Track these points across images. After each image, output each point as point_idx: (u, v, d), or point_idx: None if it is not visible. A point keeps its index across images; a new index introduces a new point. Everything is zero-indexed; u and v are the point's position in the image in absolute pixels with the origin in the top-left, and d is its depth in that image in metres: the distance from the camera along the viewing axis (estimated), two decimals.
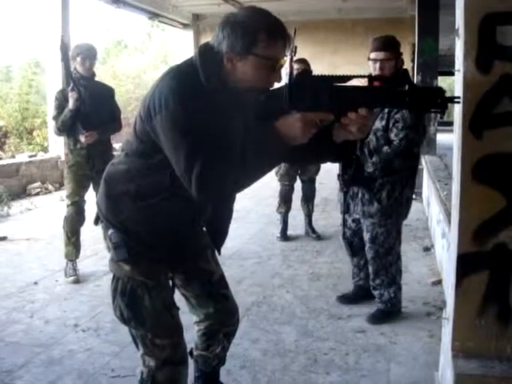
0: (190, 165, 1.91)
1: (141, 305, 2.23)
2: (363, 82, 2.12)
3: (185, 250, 2.39)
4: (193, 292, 2.52)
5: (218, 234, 2.48)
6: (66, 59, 4.70)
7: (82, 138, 4.76)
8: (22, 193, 9.46)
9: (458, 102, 1.99)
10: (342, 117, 1.95)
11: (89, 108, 4.77)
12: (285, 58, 2.00)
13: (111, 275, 2.33)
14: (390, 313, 4.05)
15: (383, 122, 3.72)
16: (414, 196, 3.98)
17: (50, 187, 9.96)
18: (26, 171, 9.71)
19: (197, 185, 1.92)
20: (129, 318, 2.26)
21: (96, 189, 4.94)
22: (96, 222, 2.37)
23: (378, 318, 4.01)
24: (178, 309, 2.36)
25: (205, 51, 2.04)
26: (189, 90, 1.95)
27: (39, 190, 9.71)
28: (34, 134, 15.62)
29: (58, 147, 10.59)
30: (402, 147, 3.63)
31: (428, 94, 1.94)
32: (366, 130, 2.00)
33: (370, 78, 2.08)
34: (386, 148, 3.68)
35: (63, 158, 10.45)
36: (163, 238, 2.26)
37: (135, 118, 2.17)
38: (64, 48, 4.69)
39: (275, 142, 1.91)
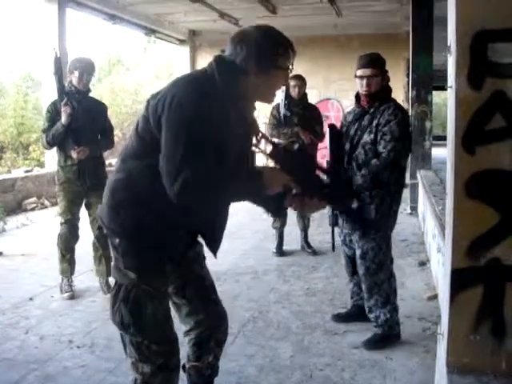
0: (182, 166, 2.05)
1: (143, 312, 2.30)
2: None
3: (186, 255, 2.51)
4: (187, 296, 2.58)
5: (214, 240, 2.54)
6: (59, 73, 4.67)
7: (74, 154, 4.71)
8: (17, 208, 9.45)
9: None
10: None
11: (81, 123, 4.72)
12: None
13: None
14: (387, 337, 3.90)
15: (371, 136, 3.76)
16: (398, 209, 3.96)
17: (46, 202, 9.95)
18: (21, 186, 9.71)
19: (181, 187, 2.05)
20: (128, 324, 2.31)
21: (90, 207, 4.93)
22: (99, 230, 2.44)
23: (375, 343, 3.87)
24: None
25: (223, 63, 2.25)
26: (203, 96, 2.11)
27: (35, 205, 9.70)
28: (30, 149, 15.65)
29: (54, 162, 10.57)
30: (390, 159, 3.67)
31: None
32: (303, 209, 2.52)
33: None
34: (374, 161, 3.71)
35: None
36: (167, 242, 2.35)
37: (137, 120, 2.31)
38: (57, 62, 4.67)
39: (259, 190, 2.23)
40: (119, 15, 12.67)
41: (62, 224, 4.95)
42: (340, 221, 3.94)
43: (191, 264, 2.59)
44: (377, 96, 3.83)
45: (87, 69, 4.80)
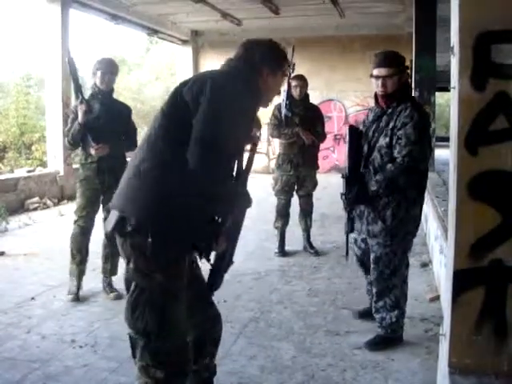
0: (214, 141, 2.24)
1: (169, 318, 2.31)
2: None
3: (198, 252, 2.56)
4: (188, 296, 2.52)
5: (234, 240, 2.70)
6: (74, 73, 4.70)
7: (92, 151, 4.71)
8: (20, 208, 9.46)
9: None
10: None
11: (102, 123, 4.73)
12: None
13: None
14: (389, 339, 3.86)
15: (387, 139, 3.63)
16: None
17: (49, 202, 9.97)
18: (24, 186, 9.72)
19: (204, 160, 2.23)
20: (152, 330, 2.30)
21: (105, 203, 4.91)
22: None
23: (377, 344, 3.84)
24: None
25: (244, 63, 2.56)
26: (244, 92, 2.43)
27: (37, 205, 9.71)
28: (33, 148, 15.66)
29: (56, 162, 10.62)
30: (405, 164, 3.54)
31: None
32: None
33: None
34: (389, 166, 3.59)
35: (62, 173, 10.49)
36: (197, 237, 2.43)
37: (161, 110, 2.47)
38: (71, 62, 4.70)
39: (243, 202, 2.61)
40: (122, 15, 12.71)
41: (74, 222, 4.91)
42: (358, 225, 3.86)
43: (193, 265, 2.64)
44: (394, 96, 3.66)
45: (109, 69, 4.83)
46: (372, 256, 3.85)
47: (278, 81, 2.65)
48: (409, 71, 3.81)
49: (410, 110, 3.60)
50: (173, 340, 2.33)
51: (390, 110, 3.70)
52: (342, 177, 3.77)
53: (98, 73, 4.78)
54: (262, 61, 2.56)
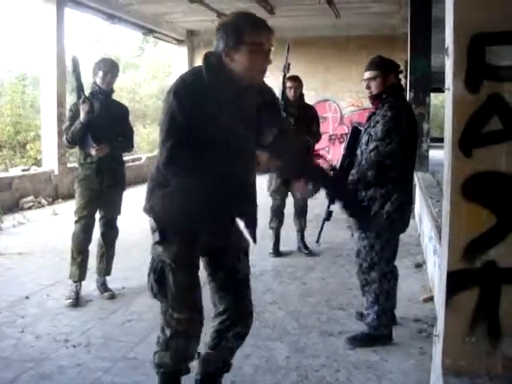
0: (166, 138, 2.48)
1: (165, 283, 2.65)
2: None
3: (211, 238, 2.71)
4: (218, 284, 2.83)
5: (248, 222, 2.74)
6: (77, 72, 4.67)
7: (93, 151, 4.68)
8: (14, 207, 9.44)
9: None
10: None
11: (102, 123, 4.71)
12: (271, 47, 2.53)
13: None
14: (371, 337, 3.90)
15: (366, 137, 3.82)
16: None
17: (43, 201, 9.94)
18: (18, 185, 9.69)
19: (167, 155, 2.47)
20: (156, 292, 2.69)
21: (104, 205, 4.91)
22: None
23: (357, 340, 3.89)
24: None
25: (209, 55, 2.59)
26: (189, 86, 2.52)
27: (32, 204, 9.68)
28: (28, 147, 15.64)
29: (51, 161, 10.60)
30: (371, 159, 3.71)
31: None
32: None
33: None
34: (363, 161, 3.78)
35: (56, 172, 10.47)
36: (184, 219, 2.63)
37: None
38: (75, 61, 4.68)
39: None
40: (117, 15, 12.68)
41: (75, 223, 4.87)
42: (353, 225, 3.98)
43: (225, 255, 2.80)
44: (380, 97, 3.86)
45: (110, 69, 4.82)
46: (355, 249, 4.01)
47: (245, 55, 2.47)
48: (400, 73, 3.94)
49: (385, 109, 3.80)
50: (173, 301, 2.66)
51: (378, 111, 3.87)
52: (330, 170, 3.89)
53: (100, 72, 4.78)
54: (221, 40, 2.51)
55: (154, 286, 2.68)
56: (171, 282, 2.64)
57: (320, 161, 2.83)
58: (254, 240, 2.76)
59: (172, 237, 2.64)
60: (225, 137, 2.49)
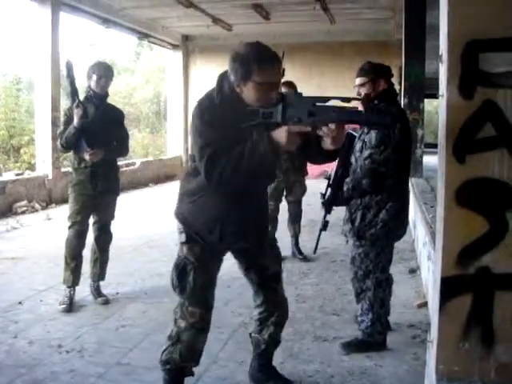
0: (202, 155, 2.66)
1: (185, 278, 2.94)
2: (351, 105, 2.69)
3: (235, 241, 2.99)
4: (252, 280, 3.19)
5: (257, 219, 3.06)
6: (71, 76, 4.65)
7: (87, 156, 4.64)
8: (8, 211, 9.42)
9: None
10: (317, 130, 2.50)
11: (97, 127, 4.67)
12: (281, 79, 2.78)
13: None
14: (366, 343, 3.89)
15: (360, 144, 3.80)
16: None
17: (37, 206, 9.92)
18: (12, 189, 9.67)
19: (205, 168, 2.65)
20: (175, 285, 2.98)
21: (97, 210, 4.89)
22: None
23: (351, 346, 3.89)
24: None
25: (222, 79, 2.76)
26: (206, 109, 2.72)
27: (25, 208, 9.66)
28: (22, 151, 15.62)
29: (45, 166, 10.58)
30: (366, 166, 3.69)
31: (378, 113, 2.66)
32: (338, 141, 2.55)
33: (343, 98, 2.55)
34: (358, 169, 3.76)
35: (50, 176, 10.46)
36: (208, 225, 2.90)
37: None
38: (69, 65, 4.66)
39: (266, 144, 2.54)
40: (112, 19, 12.71)
41: (69, 228, 4.83)
42: (347, 232, 3.94)
43: (255, 253, 3.12)
44: (371, 103, 3.83)
45: (105, 73, 4.79)
46: (350, 255, 3.99)
47: (251, 89, 2.63)
48: (392, 77, 3.93)
49: None
50: (190, 296, 2.95)
51: None
52: (325, 178, 3.88)
53: (94, 76, 4.74)
54: (232, 71, 2.66)
55: (175, 280, 2.97)
56: (191, 278, 2.93)
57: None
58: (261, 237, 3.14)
59: (196, 239, 2.92)
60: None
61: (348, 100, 2.54)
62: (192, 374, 3.12)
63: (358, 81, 3.88)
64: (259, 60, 2.60)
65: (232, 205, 2.85)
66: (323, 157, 2.82)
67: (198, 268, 2.94)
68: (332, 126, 2.45)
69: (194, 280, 2.94)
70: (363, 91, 3.86)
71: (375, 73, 3.88)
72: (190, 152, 3.00)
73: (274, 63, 2.64)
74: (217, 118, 2.65)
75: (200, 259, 2.95)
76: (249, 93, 2.65)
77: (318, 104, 2.52)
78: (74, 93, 4.67)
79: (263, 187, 3.13)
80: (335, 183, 3.79)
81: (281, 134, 2.52)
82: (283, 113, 2.54)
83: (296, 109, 2.52)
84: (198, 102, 2.80)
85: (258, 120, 2.62)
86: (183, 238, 2.96)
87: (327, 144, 2.57)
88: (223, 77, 2.75)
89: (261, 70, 2.58)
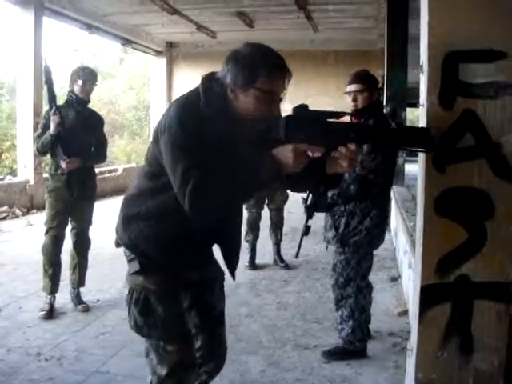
0: (184, 180, 2.08)
1: (153, 313, 2.36)
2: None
3: (191, 272, 2.51)
4: (193, 317, 2.58)
5: (229, 253, 2.58)
6: (49, 82, 4.63)
7: (63, 164, 4.62)
8: None
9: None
10: (332, 151, 2.12)
11: (75, 133, 4.65)
12: (284, 92, 2.22)
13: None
14: (347, 351, 3.90)
15: None
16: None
17: (18, 212, 9.84)
18: None
19: (189, 199, 2.08)
20: (141, 325, 2.37)
21: (75, 216, 4.86)
22: (116, 245, 2.52)
23: (332, 354, 3.90)
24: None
25: (208, 80, 2.25)
26: (189, 114, 2.16)
27: (6, 214, 9.58)
28: (3, 156, 15.49)
29: (26, 171, 10.49)
30: (355, 173, 3.69)
31: (411, 133, 2.16)
32: (354, 163, 2.20)
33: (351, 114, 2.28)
34: (346, 175, 3.72)
35: (32, 182, 10.37)
36: (169, 255, 2.40)
37: (149, 145, 2.40)
38: (47, 71, 4.64)
39: (269, 168, 2.08)
40: (96, 25, 12.68)
41: (45, 234, 4.80)
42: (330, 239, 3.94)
43: (203, 288, 2.59)
44: (365, 112, 3.77)
45: (90, 78, 4.78)
46: (332, 262, 3.99)
47: (252, 100, 2.15)
48: (381, 91, 3.93)
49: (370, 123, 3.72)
50: (163, 332, 2.36)
51: None
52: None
53: (79, 81, 4.71)
54: (229, 72, 2.17)
55: (139, 319, 2.37)
56: (160, 310, 2.35)
57: None
58: (232, 273, 2.60)
59: (154, 266, 2.39)
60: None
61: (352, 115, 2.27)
62: None
63: (355, 87, 3.79)
64: (269, 64, 2.15)
65: (204, 232, 2.39)
66: (321, 184, 2.40)
67: (164, 296, 2.38)
68: (352, 146, 2.09)
69: (165, 312, 2.36)
70: (360, 99, 3.77)
71: (372, 82, 3.86)
72: (146, 159, 2.43)
73: (285, 72, 2.20)
74: (203, 129, 2.12)
75: (164, 285, 2.39)
76: (246, 101, 2.15)
77: (330, 120, 2.20)
78: (52, 99, 4.64)
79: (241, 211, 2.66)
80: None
81: (286, 154, 2.07)
82: (287, 128, 2.12)
83: (303, 124, 2.13)
84: (176, 105, 2.24)
85: (254, 135, 2.21)
86: (136, 266, 2.39)
87: (336, 167, 2.21)
88: (211, 78, 2.25)
89: (269, 76, 2.13)
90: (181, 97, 2.30)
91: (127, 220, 2.43)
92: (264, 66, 2.13)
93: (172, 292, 2.43)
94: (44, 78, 4.70)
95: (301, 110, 2.17)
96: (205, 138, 2.12)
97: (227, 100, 2.19)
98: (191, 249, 2.43)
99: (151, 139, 2.36)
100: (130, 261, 2.43)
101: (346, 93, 3.87)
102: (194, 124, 2.14)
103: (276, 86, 2.18)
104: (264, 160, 2.09)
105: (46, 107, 10.06)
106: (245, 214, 6.35)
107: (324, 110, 2.22)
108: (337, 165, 2.18)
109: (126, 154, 22.27)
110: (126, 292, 2.45)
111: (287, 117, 2.14)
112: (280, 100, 2.24)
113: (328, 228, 3.92)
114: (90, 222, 4.98)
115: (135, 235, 2.39)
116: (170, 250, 2.39)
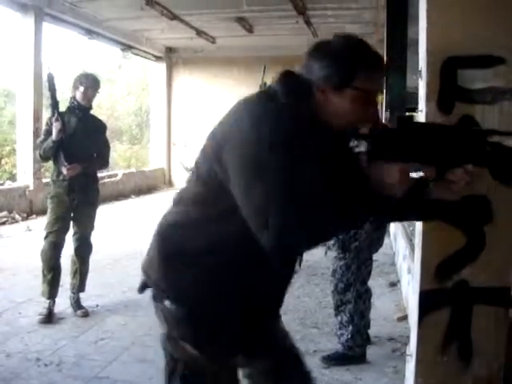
0: (264, 210, 1.60)
1: None
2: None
3: (263, 335, 2.03)
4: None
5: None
6: (52, 88, 4.65)
7: (65, 171, 4.64)
8: None
9: None
10: (446, 173, 1.76)
11: (77, 140, 4.67)
12: (381, 94, 1.94)
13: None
14: (346, 356, 3.90)
15: None
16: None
17: (17, 217, 9.84)
18: None
19: (278, 234, 1.59)
20: None
21: (77, 221, 4.87)
22: (141, 290, 1.93)
23: (331, 360, 3.90)
24: None
25: (289, 79, 1.84)
26: (274, 127, 1.65)
27: (6, 219, 9.58)
28: (3, 161, 15.50)
29: (26, 176, 10.50)
30: None
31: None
32: (466, 188, 1.82)
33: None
34: None
35: (31, 187, 10.38)
36: (234, 316, 1.83)
37: (196, 159, 1.86)
38: (50, 78, 4.66)
39: (373, 189, 1.66)
40: (96, 30, 12.69)
41: (44, 238, 4.79)
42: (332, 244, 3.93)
43: (282, 339, 2.15)
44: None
45: (92, 84, 4.80)
46: (331, 268, 3.99)
47: (347, 98, 1.73)
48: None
49: None
50: None
51: None
52: None
53: (81, 87, 4.73)
54: (320, 70, 1.77)
55: None
56: None
57: None
58: None
59: (210, 332, 1.81)
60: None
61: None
62: None
63: None
64: (369, 62, 1.78)
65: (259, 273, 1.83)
66: (415, 214, 2.04)
67: (220, 373, 1.86)
68: (469, 167, 1.74)
69: None
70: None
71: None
72: (195, 178, 1.84)
73: (383, 69, 1.88)
74: (292, 145, 1.64)
75: (220, 359, 1.86)
76: (341, 103, 1.73)
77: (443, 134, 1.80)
78: (54, 105, 4.66)
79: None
80: None
81: (392, 174, 1.65)
82: (397, 143, 1.71)
83: (415, 138, 1.73)
84: (250, 114, 1.70)
85: (351, 149, 1.82)
86: (186, 329, 1.81)
87: (445, 192, 1.83)
88: (292, 76, 1.84)
89: (370, 75, 1.76)
90: (247, 101, 1.78)
91: (167, 261, 1.84)
92: (363, 63, 1.76)
93: (228, 366, 1.92)
94: (47, 85, 4.71)
95: (406, 121, 1.80)
96: (295, 156, 1.64)
97: (314, 102, 1.76)
98: (266, 304, 1.99)
99: (205, 150, 1.81)
100: (179, 322, 1.82)
101: None
102: (282, 139, 1.63)
103: (375, 84, 1.79)
104: (365, 182, 1.67)
105: (46, 113, 10.10)
106: None
107: (435, 124, 1.97)
108: (446, 189, 1.81)
109: (126, 159, 22.27)
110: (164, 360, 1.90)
111: (399, 129, 1.76)
112: (377, 102, 1.84)
113: None
114: (92, 228, 4.98)
115: (179, 278, 1.80)
116: (237, 309, 1.82)
